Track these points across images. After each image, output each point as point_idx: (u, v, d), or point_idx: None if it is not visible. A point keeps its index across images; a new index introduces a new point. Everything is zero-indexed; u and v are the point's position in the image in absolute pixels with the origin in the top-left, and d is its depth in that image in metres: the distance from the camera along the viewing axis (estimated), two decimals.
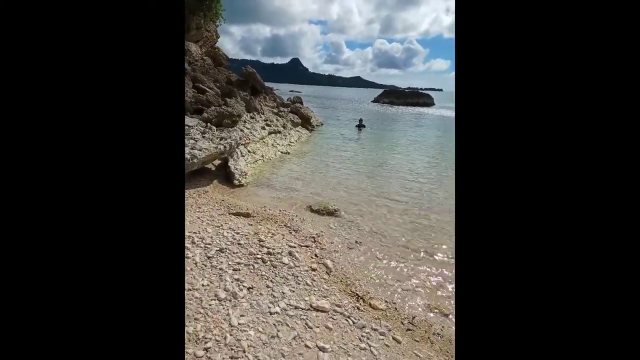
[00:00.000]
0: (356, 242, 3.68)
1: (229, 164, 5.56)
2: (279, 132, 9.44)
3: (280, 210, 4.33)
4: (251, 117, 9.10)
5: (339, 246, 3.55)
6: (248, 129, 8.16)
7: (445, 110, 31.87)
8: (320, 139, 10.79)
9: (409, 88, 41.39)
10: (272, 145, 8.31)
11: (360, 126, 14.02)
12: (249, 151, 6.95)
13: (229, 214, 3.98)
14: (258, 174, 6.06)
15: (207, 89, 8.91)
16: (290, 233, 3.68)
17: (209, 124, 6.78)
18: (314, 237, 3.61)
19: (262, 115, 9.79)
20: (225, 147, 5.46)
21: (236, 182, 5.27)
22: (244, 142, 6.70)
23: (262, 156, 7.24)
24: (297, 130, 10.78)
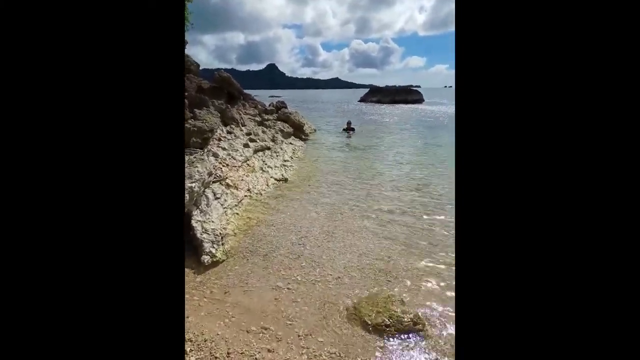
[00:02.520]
0: None
1: (193, 223, 3.16)
2: (268, 148, 7.05)
3: (304, 344, 1.97)
4: (228, 132, 6.66)
5: None
6: (225, 149, 5.74)
7: (440, 106, 29.92)
8: (322, 151, 8.44)
9: (393, 86, 40.42)
10: (262, 169, 5.91)
11: (349, 129, 11.79)
12: (228, 185, 4.54)
13: None
14: (244, 229, 3.65)
15: None
16: None
17: None
18: None
19: (242, 128, 7.35)
20: (184, 196, 3.04)
21: (206, 258, 2.87)
22: (218, 179, 4.28)
23: (249, 190, 4.84)
24: (290, 143, 8.42)
